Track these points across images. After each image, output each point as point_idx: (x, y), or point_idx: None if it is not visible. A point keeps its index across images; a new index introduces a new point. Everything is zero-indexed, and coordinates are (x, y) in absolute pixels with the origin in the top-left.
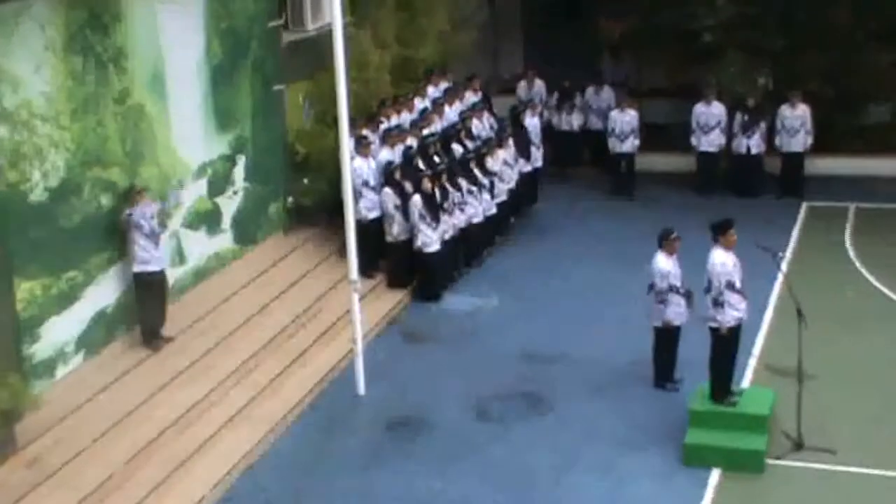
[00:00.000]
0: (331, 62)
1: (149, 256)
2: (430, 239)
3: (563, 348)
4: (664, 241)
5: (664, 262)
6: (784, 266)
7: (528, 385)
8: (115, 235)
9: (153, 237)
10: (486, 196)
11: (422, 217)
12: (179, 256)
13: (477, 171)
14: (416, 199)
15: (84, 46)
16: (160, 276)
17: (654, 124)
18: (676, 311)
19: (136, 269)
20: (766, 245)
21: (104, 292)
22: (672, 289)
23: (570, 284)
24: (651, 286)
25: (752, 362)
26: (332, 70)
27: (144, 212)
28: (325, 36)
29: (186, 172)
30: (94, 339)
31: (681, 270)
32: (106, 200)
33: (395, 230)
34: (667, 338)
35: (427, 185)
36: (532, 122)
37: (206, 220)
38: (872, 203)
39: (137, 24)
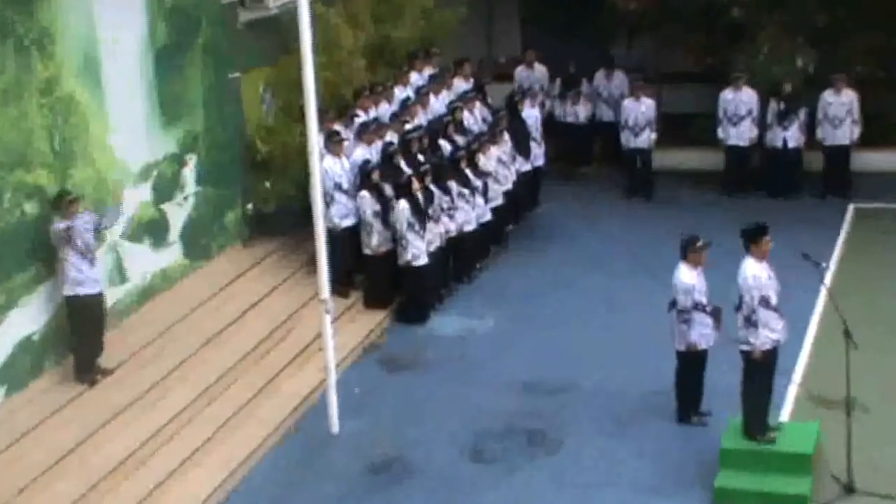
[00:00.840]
0: (296, 45)
1: (83, 276)
2: (420, 251)
3: (572, 376)
4: (688, 251)
5: (688, 276)
6: (828, 278)
7: (531, 420)
8: (42, 250)
9: (88, 254)
10: (480, 200)
11: (410, 226)
12: (119, 274)
13: (468, 171)
14: (403, 204)
15: (2, 27)
16: (96, 298)
17: (674, 115)
18: (702, 332)
19: (68, 291)
20: (807, 253)
21: (29, 317)
22: (697, 306)
23: (578, 302)
24: (673, 303)
25: (793, 391)
26: (298, 54)
27: (78, 225)
28: (289, 14)
29: (126, 175)
30: (18, 371)
31: (707, 285)
32: (30, 208)
33: (375, 240)
34: (692, 364)
35: (416, 186)
36: (532, 114)
37: (151, 230)
38: None
39: (66, 1)
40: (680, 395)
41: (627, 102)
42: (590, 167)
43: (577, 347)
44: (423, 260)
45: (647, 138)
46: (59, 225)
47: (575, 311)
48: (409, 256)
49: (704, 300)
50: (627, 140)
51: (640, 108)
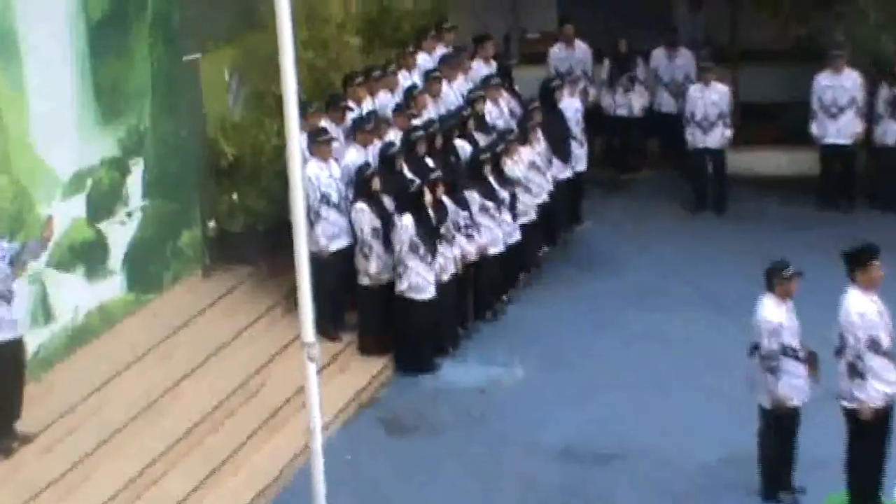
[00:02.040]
0: (269, 17)
1: None
2: (425, 281)
3: (622, 441)
4: (774, 280)
5: (774, 312)
6: None
7: (570, 497)
8: None
9: (2, 290)
10: (506, 215)
11: (413, 248)
12: (44, 312)
13: (492, 179)
14: (407, 220)
15: None
16: (14, 345)
17: (754, 105)
18: (794, 383)
19: None
20: None
21: None
22: (787, 351)
23: (628, 346)
24: (755, 347)
25: None
26: (273, 29)
27: None
28: None
29: (53, 185)
30: None
31: (799, 323)
32: None
33: (374, 267)
34: (780, 424)
35: (427, 198)
36: (572, 105)
37: (85, 256)
38: None
39: None
40: (765, 466)
41: (694, 90)
42: (645, 173)
43: (627, 404)
44: (427, 293)
45: (719, 135)
46: None
47: (625, 358)
48: (406, 286)
49: (796, 343)
50: (694, 138)
51: (711, 97)
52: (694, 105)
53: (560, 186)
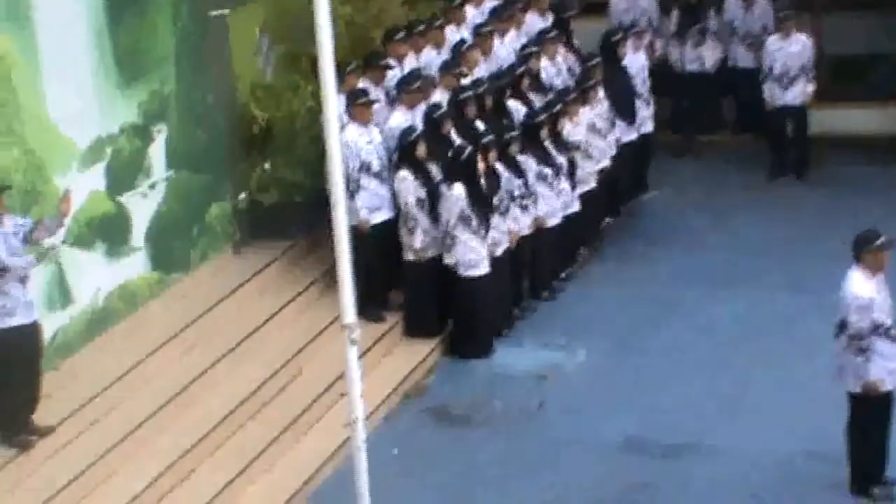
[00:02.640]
0: None
1: (9, 302)
2: (478, 256)
3: (696, 433)
4: (863, 252)
5: (864, 287)
6: None
7: (638, 493)
8: None
9: (16, 270)
10: (565, 183)
11: (464, 220)
12: (61, 294)
13: (549, 144)
14: (458, 189)
15: None
16: (29, 330)
17: (841, 57)
18: (887, 366)
19: None
20: None
21: None
22: (878, 329)
23: (700, 327)
24: (842, 326)
25: None
26: None
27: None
28: None
29: (70, 155)
30: None
31: (893, 300)
32: None
33: (419, 241)
34: (872, 411)
35: (479, 165)
36: (637, 61)
37: (106, 232)
38: None
39: None
40: (854, 457)
41: (773, 41)
42: (718, 135)
43: (699, 391)
44: (481, 269)
45: (801, 92)
46: None
47: (697, 342)
48: (456, 261)
49: (889, 321)
50: (773, 95)
51: (792, 49)
52: (773, 58)
53: (624, 151)
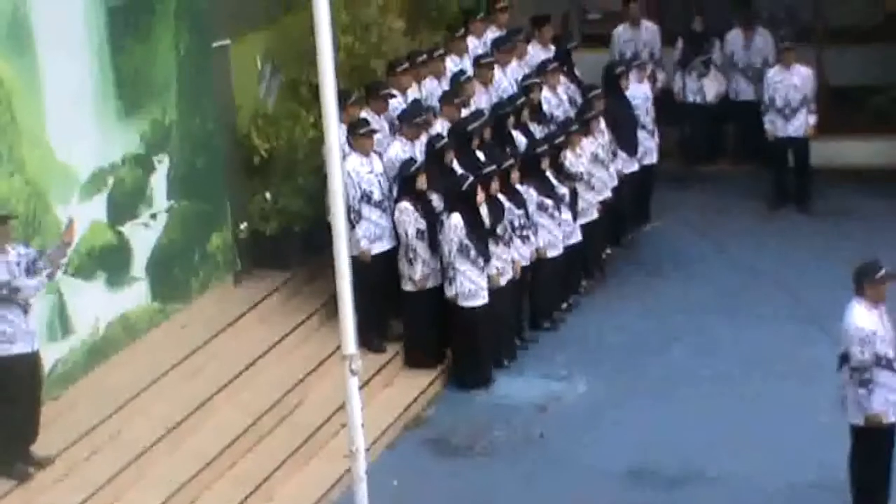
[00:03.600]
0: None
1: (12, 330)
2: (476, 286)
3: (698, 463)
4: (865, 283)
5: (866, 318)
6: None
7: None
8: None
9: (16, 298)
10: (566, 214)
11: (463, 250)
12: (61, 324)
13: (550, 174)
14: (455, 219)
15: None
16: (29, 359)
17: (841, 88)
18: (889, 398)
19: None
20: None
21: None
22: (881, 361)
23: (702, 358)
24: (844, 357)
25: None
26: (309, 12)
27: (2, 259)
28: None
29: (71, 184)
30: None
31: (894, 332)
32: None
33: (418, 271)
34: (874, 443)
35: (480, 196)
36: (640, 92)
37: (106, 261)
38: None
39: None
40: (857, 490)
41: (774, 73)
42: (720, 165)
43: (701, 422)
44: (479, 299)
45: (802, 123)
46: None
47: (699, 372)
48: (456, 292)
49: (892, 353)
50: (775, 126)
51: (793, 81)
52: (774, 90)
53: (626, 181)
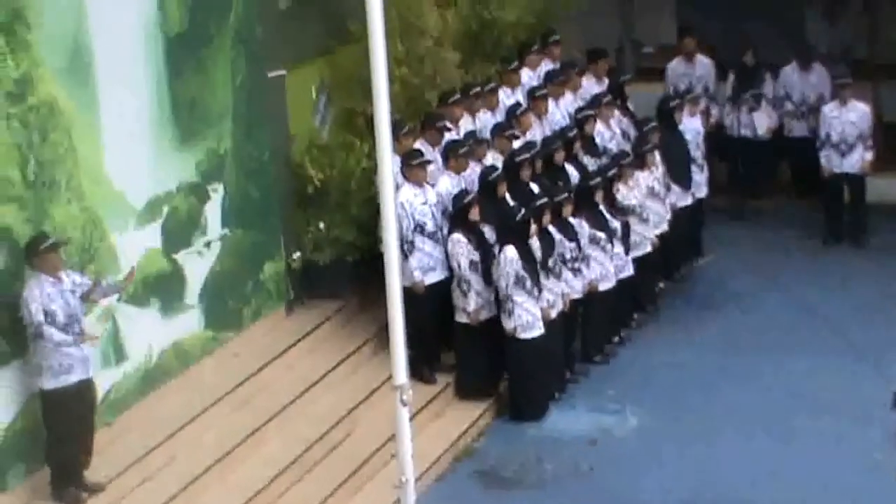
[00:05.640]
0: (360, 31)
1: (66, 360)
2: (533, 317)
3: (747, 498)
4: None
5: None
6: None
7: None
8: (7, 321)
9: (72, 327)
10: (619, 247)
11: (520, 282)
12: (115, 351)
13: (603, 207)
14: (510, 252)
15: None
16: (83, 386)
17: None
18: None
19: (45, 379)
20: None
21: None
22: None
23: (754, 395)
24: None
25: None
26: (364, 43)
27: (58, 287)
28: None
29: (126, 212)
30: None
31: None
32: None
33: (472, 303)
34: None
35: (533, 228)
36: (693, 126)
37: (161, 289)
38: None
39: None
40: None
41: (830, 108)
42: (773, 200)
43: (753, 460)
44: (536, 330)
45: (858, 159)
46: (35, 291)
47: (751, 409)
48: (514, 325)
49: None
50: (830, 162)
51: (849, 117)
52: (830, 125)
53: (679, 215)
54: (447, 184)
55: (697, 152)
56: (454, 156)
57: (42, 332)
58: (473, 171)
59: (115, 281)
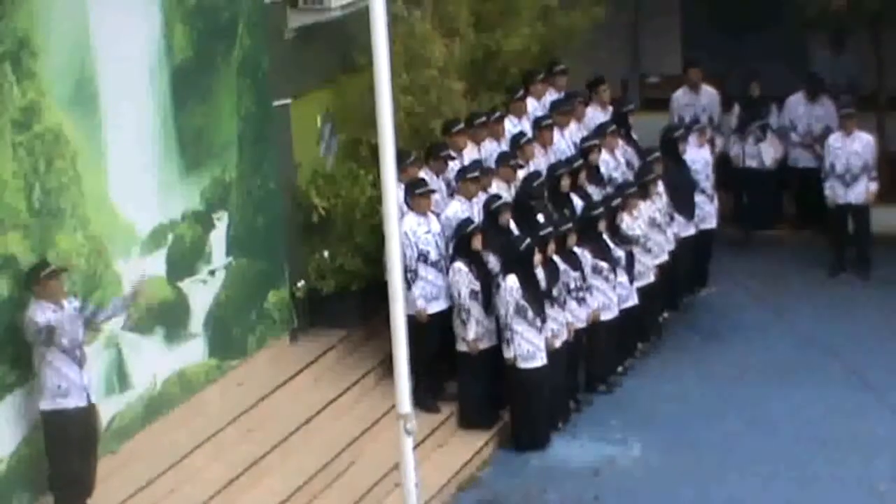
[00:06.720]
0: (365, 60)
1: (67, 384)
2: (534, 347)
3: None
4: None
5: None
6: None
7: None
8: (10, 346)
9: (74, 351)
10: (623, 277)
11: (520, 311)
12: (119, 379)
13: (607, 237)
14: (511, 281)
15: None
16: (86, 413)
17: None
18: None
19: (47, 403)
20: None
21: None
22: None
23: (761, 423)
24: None
25: None
26: (369, 72)
27: (59, 313)
28: (357, 17)
29: (131, 240)
30: None
31: None
32: (0, 286)
33: (473, 332)
34: None
35: (537, 258)
36: (698, 156)
37: (165, 317)
38: None
39: (52, 0)
40: None
41: (835, 139)
42: (778, 231)
43: (756, 488)
44: (537, 361)
45: (863, 190)
46: (37, 312)
47: (755, 440)
48: (514, 354)
49: None
50: (835, 192)
51: (854, 148)
52: (834, 156)
53: (683, 245)
54: (457, 208)
55: (706, 183)
56: (465, 183)
57: (43, 353)
58: (478, 199)
59: (121, 297)
